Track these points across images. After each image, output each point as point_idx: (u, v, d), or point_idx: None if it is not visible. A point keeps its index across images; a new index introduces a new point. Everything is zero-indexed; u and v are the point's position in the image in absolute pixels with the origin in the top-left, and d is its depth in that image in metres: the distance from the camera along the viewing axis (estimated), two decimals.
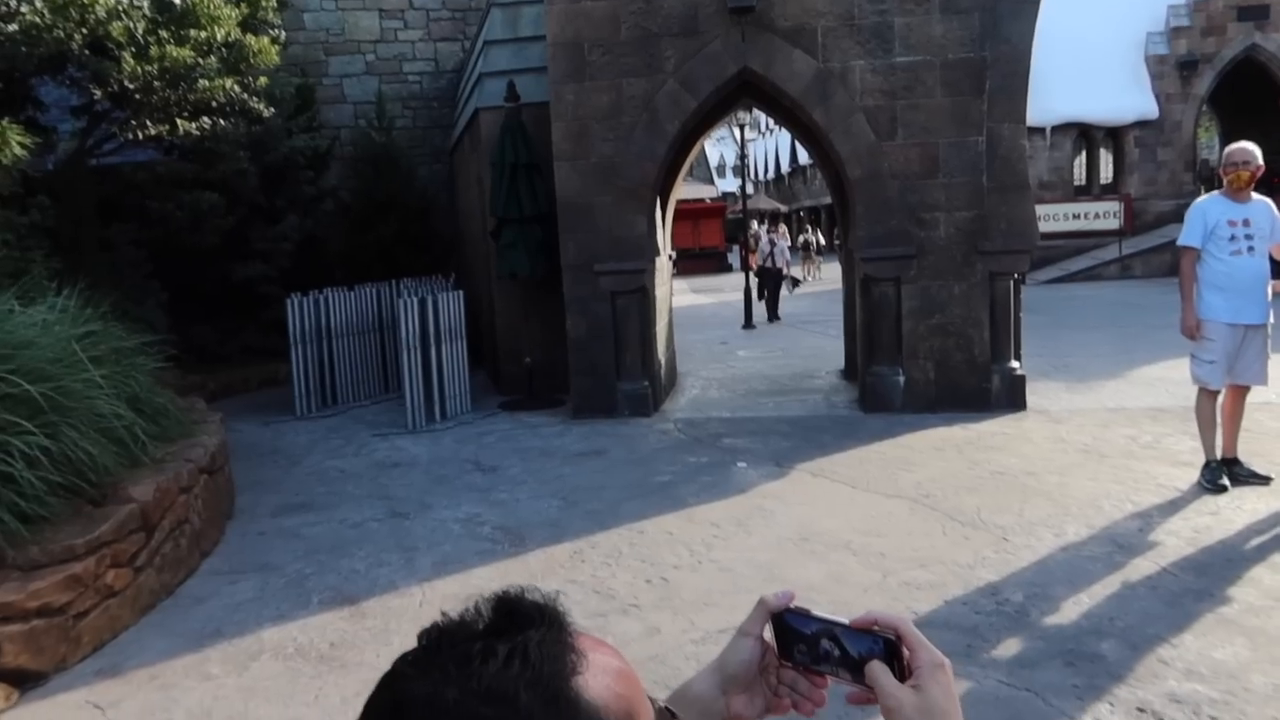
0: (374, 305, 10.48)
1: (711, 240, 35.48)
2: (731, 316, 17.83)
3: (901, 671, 0.85)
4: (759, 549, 5.22)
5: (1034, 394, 8.59)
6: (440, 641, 0.70)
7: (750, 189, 36.33)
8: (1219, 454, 5.95)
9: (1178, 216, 22.28)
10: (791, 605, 0.90)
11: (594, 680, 0.69)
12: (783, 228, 30.51)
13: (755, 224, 23.50)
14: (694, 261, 33.10)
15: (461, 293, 9.45)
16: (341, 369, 10.23)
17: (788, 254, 18.78)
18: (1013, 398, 8.43)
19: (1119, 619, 4.08)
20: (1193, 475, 6.05)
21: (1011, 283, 8.55)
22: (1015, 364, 8.58)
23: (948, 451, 7.15)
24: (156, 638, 4.45)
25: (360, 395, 10.43)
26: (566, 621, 0.73)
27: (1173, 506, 5.59)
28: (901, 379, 8.56)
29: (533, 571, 5.05)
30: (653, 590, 4.70)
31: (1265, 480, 5.85)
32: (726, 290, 25.53)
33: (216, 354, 11.69)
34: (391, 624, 4.45)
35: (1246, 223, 5.66)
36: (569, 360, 9.10)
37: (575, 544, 5.43)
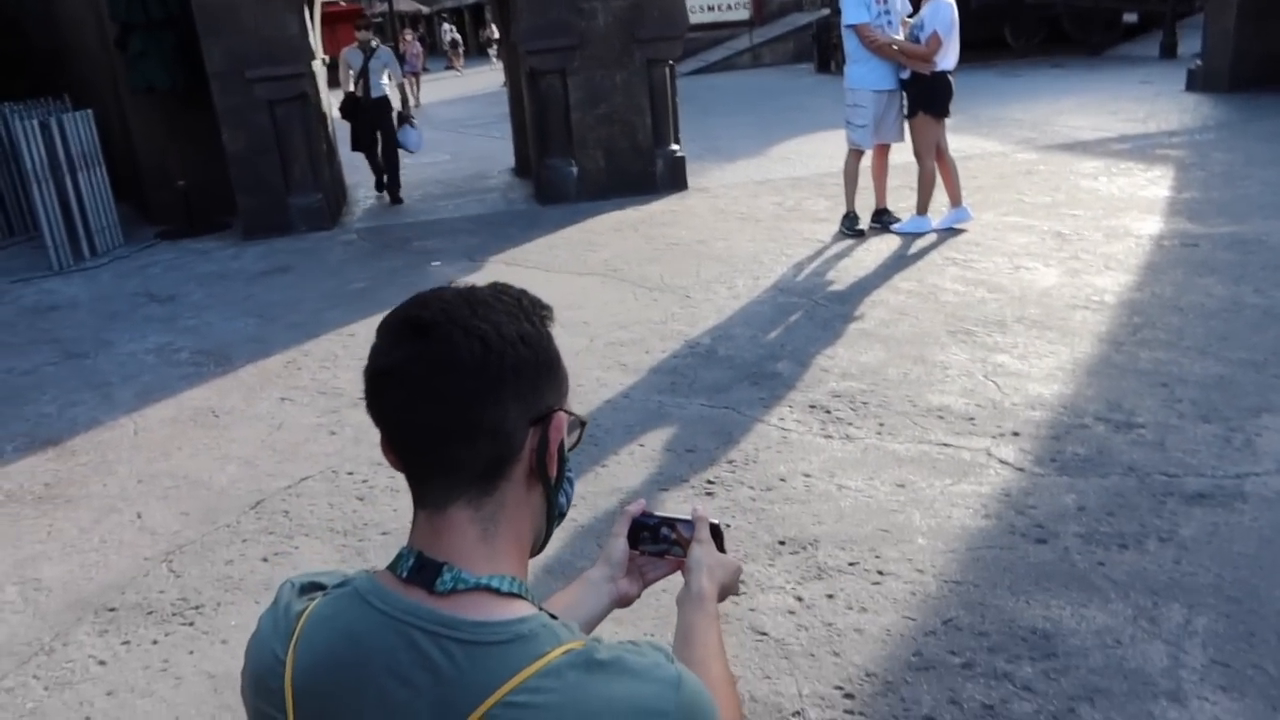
0: None
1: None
2: None
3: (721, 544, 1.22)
4: None
5: (692, 174, 9.32)
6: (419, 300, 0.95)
7: None
8: (858, 205, 6.88)
9: (799, 5, 24.07)
10: (644, 511, 1.25)
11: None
12: (409, 34, 25.13)
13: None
14: (331, 71, 30.78)
15: (91, 112, 8.40)
16: None
17: (418, 62, 13.62)
18: (675, 178, 9.10)
19: (788, 344, 4.85)
20: (831, 229, 7.03)
21: (666, 69, 9.04)
22: (675, 147, 9.21)
23: (625, 231, 7.70)
24: None
25: None
26: None
27: (818, 254, 6.52)
28: (574, 169, 8.93)
29: (248, 385, 4.99)
30: None
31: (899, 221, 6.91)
32: None
33: None
34: (109, 455, 4.27)
35: (886, 0, 6.43)
36: (231, 178, 8.52)
37: (286, 354, 5.39)
